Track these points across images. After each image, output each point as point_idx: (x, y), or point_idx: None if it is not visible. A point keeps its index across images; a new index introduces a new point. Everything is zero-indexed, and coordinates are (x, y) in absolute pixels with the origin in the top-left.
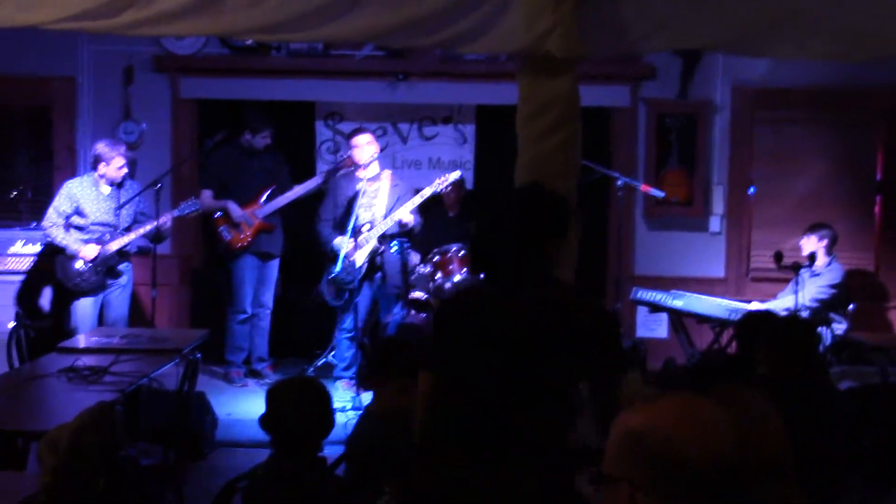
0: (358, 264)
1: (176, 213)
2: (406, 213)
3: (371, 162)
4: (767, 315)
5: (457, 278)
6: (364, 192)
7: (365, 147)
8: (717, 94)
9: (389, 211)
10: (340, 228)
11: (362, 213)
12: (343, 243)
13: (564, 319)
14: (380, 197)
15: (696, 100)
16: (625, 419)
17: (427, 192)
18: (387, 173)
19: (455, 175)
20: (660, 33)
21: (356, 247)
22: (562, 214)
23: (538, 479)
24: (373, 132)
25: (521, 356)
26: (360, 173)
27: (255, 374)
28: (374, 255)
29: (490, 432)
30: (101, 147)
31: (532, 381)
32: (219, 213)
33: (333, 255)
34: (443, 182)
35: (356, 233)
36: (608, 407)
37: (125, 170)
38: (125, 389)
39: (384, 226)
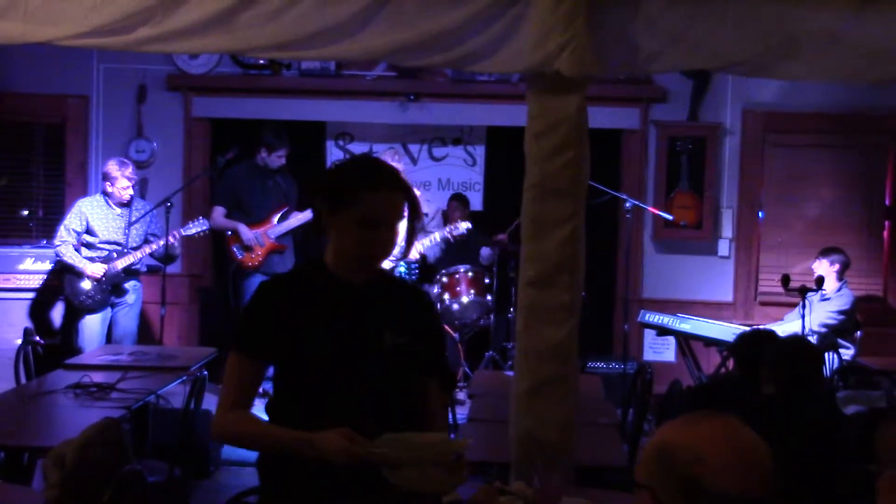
0: None
1: (183, 231)
2: (413, 252)
3: None
4: (767, 334)
5: (465, 299)
6: None
7: None
8: (728, 117)
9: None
10: None
11: None
12: None
13: None
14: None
15: (707, 123)
16: (664, 430)
17: (436, 236)
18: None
19: (465, 225)
20: (669, 53)
21: None
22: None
23: None
24: (383, 153)
25: None
26: None
27: (263, 394)
28: None
29: None
30: (110, 166)
31: None
32: (229, 233)
33: None
34: (453, 230)
35: None
36: None
37: (131, 191)
38: (132, 406)
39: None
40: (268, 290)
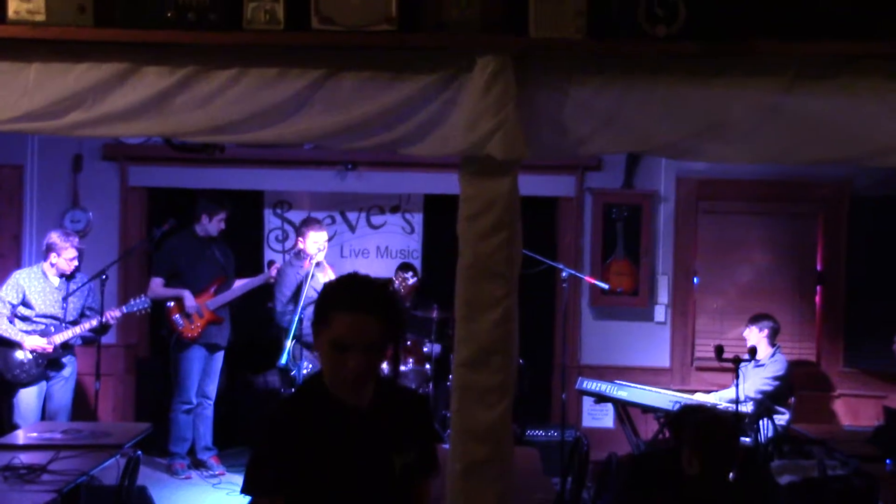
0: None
1: (125, 309)
2: None
3: (318, 253)
4: (694, 410)
5: (403, 368)
6: (313, 276)
7: (317, 242)
8: (662, 185)
9: None
10: (294, 302)
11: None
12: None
13: None
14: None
15: (641, 190)
16: None
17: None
18: (327, 267)
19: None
20: (599, 136)
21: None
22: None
23: None
24: (321, 220)
25: None
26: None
27: (200, 465)
28: None
29: None
30: (54, 237)
31: None
32: (171, 303)
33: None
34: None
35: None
36: None
37: (76, 262)
38: (63, 489)
39: None
40: (274, 426)
